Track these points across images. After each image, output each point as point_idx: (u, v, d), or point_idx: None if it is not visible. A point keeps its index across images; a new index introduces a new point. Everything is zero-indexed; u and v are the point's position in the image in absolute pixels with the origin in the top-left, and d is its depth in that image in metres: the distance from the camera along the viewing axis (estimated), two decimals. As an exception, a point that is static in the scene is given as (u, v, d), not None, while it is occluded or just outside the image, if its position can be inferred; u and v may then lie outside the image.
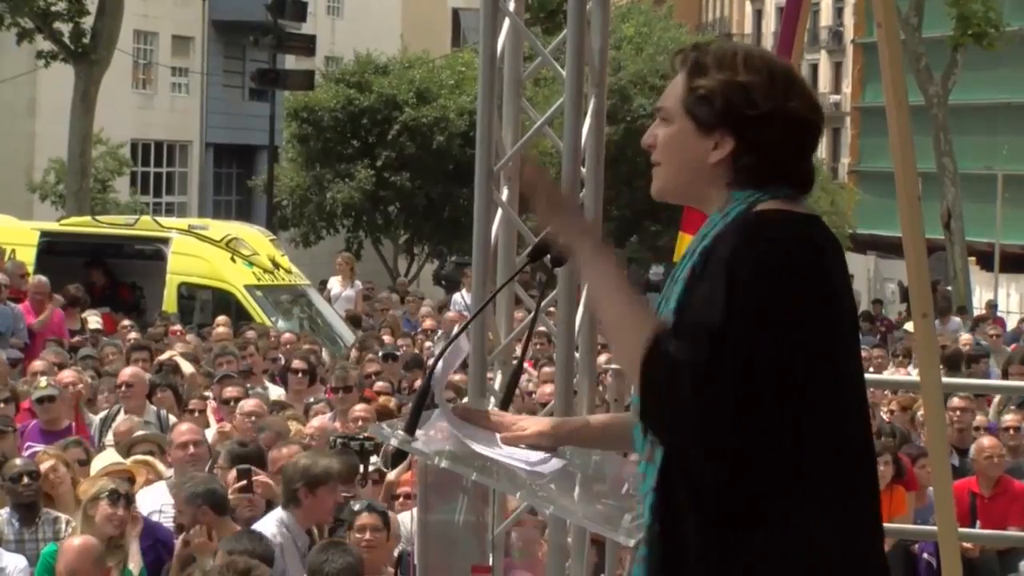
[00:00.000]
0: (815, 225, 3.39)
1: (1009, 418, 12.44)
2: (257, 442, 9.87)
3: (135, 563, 8.38)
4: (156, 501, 9.25)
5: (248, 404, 11.33)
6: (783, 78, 3.43)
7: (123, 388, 11.91)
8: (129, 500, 8.54)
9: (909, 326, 20.14)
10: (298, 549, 7.96)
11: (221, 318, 18.20)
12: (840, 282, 3.37)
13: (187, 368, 13.81)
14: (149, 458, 9.91)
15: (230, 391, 12.07)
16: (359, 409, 11.31)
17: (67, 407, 11.65)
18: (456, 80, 36.61)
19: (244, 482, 8.78)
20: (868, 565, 3.37)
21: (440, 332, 17.87)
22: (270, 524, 8.22)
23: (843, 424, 3.36)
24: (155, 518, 9.00)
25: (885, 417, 12.93)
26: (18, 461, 9.32)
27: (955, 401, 12.36)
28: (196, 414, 11.58)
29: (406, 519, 8.63)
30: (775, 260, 3.26)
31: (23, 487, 8.99)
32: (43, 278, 17.73)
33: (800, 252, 3.30)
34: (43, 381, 11.78)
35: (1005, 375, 15.64)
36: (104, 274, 21.86)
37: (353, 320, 20.65)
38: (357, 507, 8.38)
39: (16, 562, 8.32)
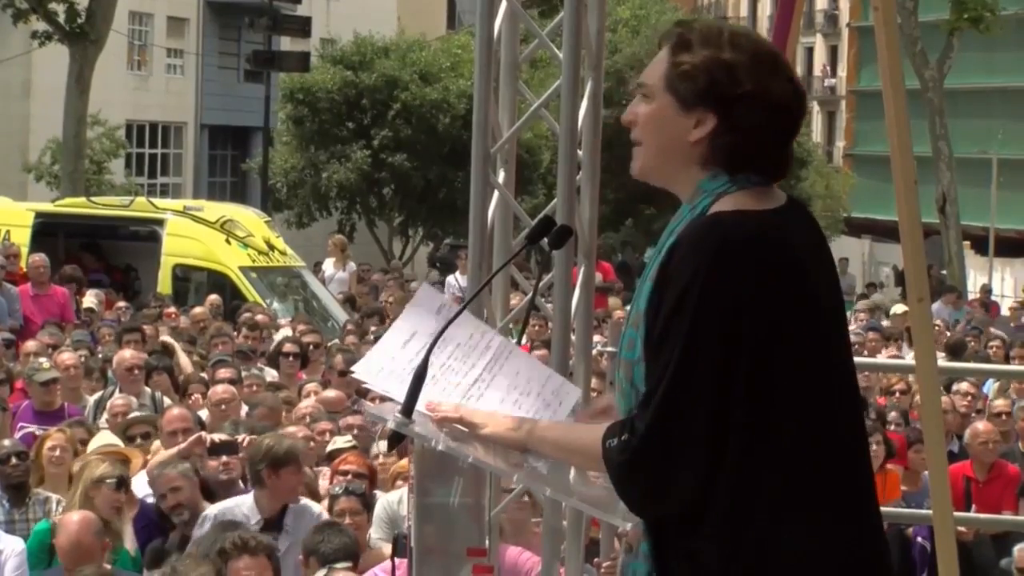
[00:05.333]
0: (778, 219, 3.35)
1: (999, 403, 12.44)
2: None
3: (130, 543, 8.40)
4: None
5: (217, 391, 11.11)
6: (768, 60, 3.40)
7: (134, 371, 11.85)
8: (127, 484, 8.59)
9: (895, 308, 20.18)
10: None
11: (212, 297, 18.18)
12: (803, 275, 3.33)
13: (183, 360, 13.77)
14: (144, 442, 9.92)
15: (223, 373, 12.05)
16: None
17: (65, 389, 11.67)
18: (452, 63, 36.55)
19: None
20: (852, 562, 3.32)
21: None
22: (229, 504, 8.30)
23: (820, 424, 3.31)
24: (150, 500, 9.01)
25: (881, 400, 12.94)
26: (7, 442, 9.34)
27: (964, 386, 12.36)
28: (193, 397, 11.59)
29: (396, 500, 8.65)
30: (710, 268, 3.23)
31: (12, 467, 9.00)
32: (42, 256, 17.67)
33: (744, 254, 3.26)
34: (45, 363, 11.78)
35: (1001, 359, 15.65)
36: (96, 259, 21.84)
37: (348, 301, 20.63)
38: (336, 491, 8.40)
39: (13, 544, 8.31)
